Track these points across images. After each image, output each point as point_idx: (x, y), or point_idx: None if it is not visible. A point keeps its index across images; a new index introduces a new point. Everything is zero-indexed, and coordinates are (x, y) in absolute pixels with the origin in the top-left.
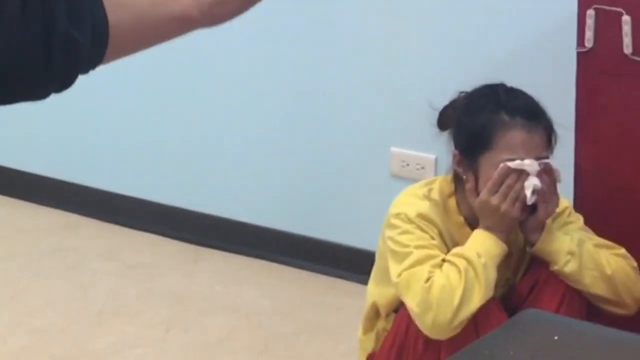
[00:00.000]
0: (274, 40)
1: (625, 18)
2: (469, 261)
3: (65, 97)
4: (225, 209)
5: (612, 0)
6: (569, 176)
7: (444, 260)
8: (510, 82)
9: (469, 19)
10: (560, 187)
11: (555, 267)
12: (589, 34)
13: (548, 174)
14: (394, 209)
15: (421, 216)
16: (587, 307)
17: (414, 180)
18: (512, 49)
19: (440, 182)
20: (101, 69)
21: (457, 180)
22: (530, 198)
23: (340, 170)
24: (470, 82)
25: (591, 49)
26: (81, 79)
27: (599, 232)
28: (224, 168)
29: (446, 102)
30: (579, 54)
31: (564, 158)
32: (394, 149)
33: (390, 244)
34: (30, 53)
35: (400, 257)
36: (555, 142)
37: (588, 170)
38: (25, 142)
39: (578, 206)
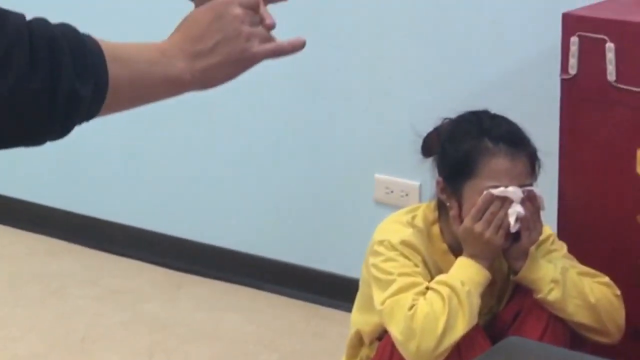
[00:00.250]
0: (259, 72)
1: (609, 45)
2: (452, 289)
3: None
4: (209, 236)
5: (595, 27)
6: (552, 204)
7: (427, 288)
8: (494, 109)
9: (453, 45)
10: (544, 215)
11: (539, 295)
12: (572, 61)
13: (532, 201)
14: (377, 236)
15: (405, 243)
16: (571, 335)
17: (398, 207)
18: (496, 76)
19: (424, 209)
20: None
21: (441, 207)
22: (513, 225)
23: (324, 197)
24: (454, 108)
25: (575, 76)
26: None
27: (583, 260)
28: (209, 195)
29: (430, 129)
30: (562, 81)
31: (547, 185)
32: (378, 175)
33: (373, 271)
34: (36, 103)
35: (383, 284)
36: (539, 170)
37: (572, 198)
38: (8, 167)
39: (562, 234)
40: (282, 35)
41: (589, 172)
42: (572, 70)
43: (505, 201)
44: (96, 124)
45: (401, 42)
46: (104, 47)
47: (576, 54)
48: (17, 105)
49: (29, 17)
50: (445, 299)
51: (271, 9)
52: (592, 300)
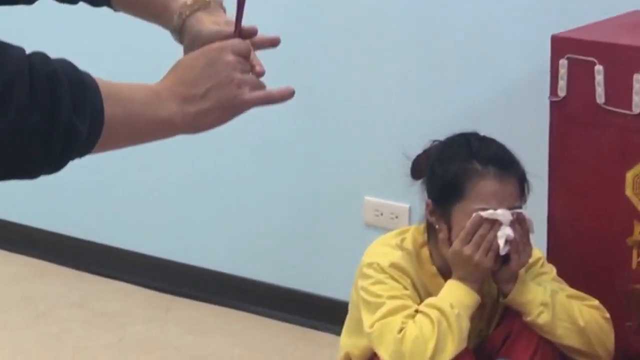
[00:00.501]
0: None
1: (598, 68)
2: (442, 312)
3: None
4: (197, 258)
5: (584, 49)
6: (542, 226)
7: (417, 311)
8: (483, 131)
9: (442, 67)
10: (533, 238)
11: (529, 318)
12: (561, 84)
13: (521, 223)
14: (366, 258)
15: (394, 266)
16: (560, 358)
17: (388, 230)
18: (485, 98)
19: (413, 232)
20: None
21: (430, 229)
22: (503, 248)
23: (313, 219)
24: (443, 130)
25: (564, 98)
26: None
27: (572, 283)
28: (197, 217)
29: (420, 151)
30: (551, 103)
31: (537, 208)
32: (367, 198)
33: (362, 294)
34: (34, 138)
35: (372, 307)
36: (528, 192)
37: (561, 221)
38: None
39: (551, 257)
40: (277, 58)
41: (578, 195)
42: (561, 93)
43: (495, 224)
44: None
45: (391, 65)
46: (100, 85)
47: (565, 76)
48: (15, 140)
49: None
50: (434, 322)
51: (266, 25)
52: (582, 323)
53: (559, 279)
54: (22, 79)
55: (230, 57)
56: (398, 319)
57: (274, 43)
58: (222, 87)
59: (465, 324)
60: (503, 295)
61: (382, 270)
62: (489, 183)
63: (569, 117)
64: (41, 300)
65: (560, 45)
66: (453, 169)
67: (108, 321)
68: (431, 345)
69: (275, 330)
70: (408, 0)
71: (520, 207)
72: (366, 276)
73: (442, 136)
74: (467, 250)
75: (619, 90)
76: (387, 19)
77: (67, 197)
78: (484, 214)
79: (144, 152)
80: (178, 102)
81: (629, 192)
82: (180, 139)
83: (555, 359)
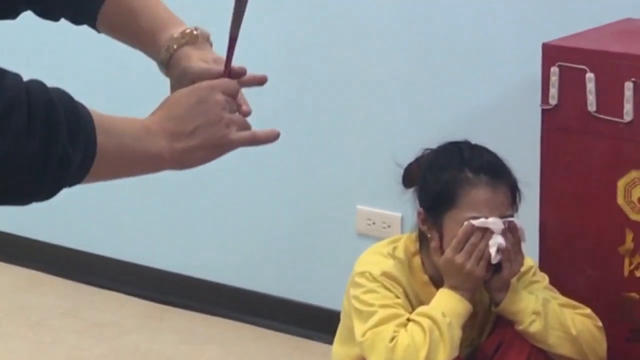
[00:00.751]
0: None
1: (589, 75)
2: (433, 320)
3: None
4: (191, 268)
5: (576, 57)
6: (534, 235)
7: (408, 320)
8: (475, 139)
9: (434, 76)
10: (525, 246)
11: (520, 327)
12: (553, 91)
13: (512, 232)
14: (358, 267)
15: (386, 275)
16: None
17: (380, 239)
18: (477, 106)
19: (405, 241)
20: None
21: (422, 238)
22: (494, 257)
23: (306, 229)
24: (435, 139)
25: (555, 106)
26: None
27: (564, 292)
28: (190, 227)
29: (411, 160)
30: (543, 111)
31: (528, 216)
32: (360, 207)
33: (354, 302)
34: (29, 166)
35: (364, 316)
36: (520, 200)
37: (553, 229)
38: None
39: (543, 265)
40: (271, 66)
41: (570, 203)
42: (553, 101)
43: (486, 232)
44: None
45: (383, 74)
46: (93, 117)
47: (556, 84)
48: (9, 167)
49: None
50: (426, 331)
51: (263, 24)
52: (574, 332)
53: (551, 287)
54: (20, 106)
55: (219, 97)
56: (390, 327)
57: (261, 82)
58: (210, 126)
59: (457, 333)
60: (495, 304)
61: (374, 279)
62: (480, 191)
63: (560, 125)
64: (34, 311)
65: (552, 53)
66: (445, 177)
67: (101, 331)
68: (423, 354)
69: (269, 340)
70: (401, 9)
71: (511, 216)
72: (358, 285)
73: (433, 145)
74: (459, 258)
75: (610, 98)
76: (379, 28)
77: (61, 207)
78: (475, 222)
79: None
80: (167, 138)
81: (620, 200)
82: None
83: None
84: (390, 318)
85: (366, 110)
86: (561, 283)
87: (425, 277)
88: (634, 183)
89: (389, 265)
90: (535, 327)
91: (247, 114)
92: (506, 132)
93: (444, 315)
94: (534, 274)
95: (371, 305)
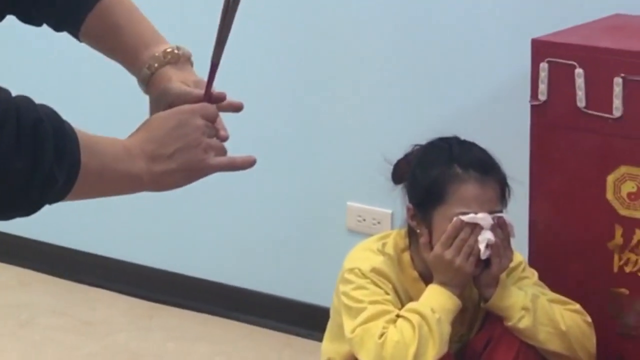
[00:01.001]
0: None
1: (579, 71)
2: (423, 316)
3: None
4: (181, 266)
5: (565, 53)
6: (523, 230)
7: (398, 316)
8: (464, 135)
9: (423, 72)
10: (514, 242)
11: (510, 323)
12: (542, 87)
13: (502, 228)
14: (348, 263)
15: (375, 271)
16: None
17: (371, 235)
18: (466, 102)
19: (395, 237)
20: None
21: (412, 234)
22: (484, 252)
23: (296, 225)
24: (425, 135)
25: (545, 102)
26: None
27: (554, 288)
28: (180, 225)
29: (401, 156)
30: (532, 107)
31: (518, 212)
32: (350, 203)
33: (344, 299)
34: (14, 183)
35: (354, 312)
36: (509, 196)
37: (542, 225)
38: None
39: (532, 261)
40: (260, 65)
41: (559, 199)
42: (542, 97)
43: (475, 228)
44: None
45: (372, 70)
46: (78, 136)
47: (546, 80)
48: None
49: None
50: (415, 327)
51: (256, 17)
52: (563, 327)
53: (540, 283)
54: (9, 124)
55: (199, 121)
56: (379, 324)
57: (238, 109)
58: (189, 150)
59: (447, 329)
60: (484, 299)
61: (364, 276)
62: (469, 187)
63: (549, 121)
64: (24, 309)
65: (541, 48)
66: (434, 173)
67: (92, 329)
68: (412, 350)
69: (259, 337)
70: (390, 6)
71: (501, 211)
72: (347, 281)
73: (423, 140)
74: (448, 254)
75: (599, 94)
76: (368, 26)
77: (51, 206)
78: (464, 218)
79: None
80: (146, 160)
81: (609, 195)
82: None
83: None
84: (380, 314)
85: (356, 108)
86: (550, 279)
87: (415, 273)
88: (623, 178)
89: (378, 261)
90: (524, 323)
91: (225, 139)
92: (495, 128)
93: (433, 311)
94: (524, 269)
95: (360, 301)
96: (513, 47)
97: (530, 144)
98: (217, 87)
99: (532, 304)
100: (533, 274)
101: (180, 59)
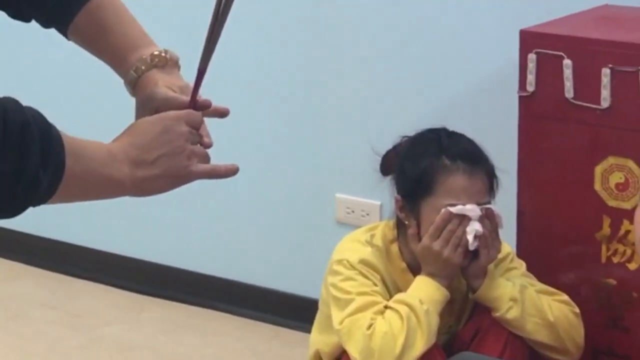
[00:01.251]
0: (221, 90)
1: (567, 62)
2: (411, 308)
3: None
4: (171, 258)
5: (553, 44)
6: (511, 222)
7: (386, 307)
8: (453, 127)
9: (412, 64)
10: (502, 233)
11: (498, 314)
12: (530, 78)
13: (490, 219)
14: (336, 255)
15: (364, 262)
16: (530, 354)
17: (360, 227)
18: (454, 93)
19: (383, 228)
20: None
21: (400, 225)
22: (472, 243)
23: (285, 217)
24: (413, 126)
25: (533, 93)
26: None
27: (542, 279)
28: (168, 216)
29: (389, 147)
30: (520, 98)
31: (506, 203)
32: (338, 195)
33: (332, 290)
34: (0, 184)
35: (342, 304)
36: (497, 187)
37: (530, 216)
38: None
39: (520, 252)
40: (247, 55)
41: (547, 190)
42: (530, 87)
43: (464, 219)
44: None
45: (359, 62)
46: (63, 139)
47: (534, 70)
48: None
49: None
50: (403, 318)
51: (243, 12)
52: (551, 318)
53: (529, 274)
54: None
55: (184, 128)
56: (367, 315)
57: (223, 114)
58: (172, 157)
59: (435, 320)
60: (472, 290)
61: (352, 267)
62: (458, 178)
63: (537, 112)
64: (13, 302)
65: (529, 39)
66: (422, 164)
67: (81, 322)
68: (400, 341)
69: (248, 329)
70: None
71: (489, 203)
72: (336, 273)
73: (411, 132)
74: (436, 245)
75: (587, 85)
76: (357, 17)
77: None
78: (453, 209)
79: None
80: (130, 165)
81: (597, 186)
82: None
83: (525, 354)
84: (368, 305)
85: (344, 100)
86: (538, 269)
87: (403, 265)
88: (611, 169)
89: (366, 252)
90: (512, 314)
91: (209, 146)
92: (484, 119)
93: (421, 302)
94: (512, 260)
95: (349, 292)
96: (501, 38)
97: (518, 135)
98: (205, 82)
99: (520, 294)
100: (521, 265)
101: (168, 63)
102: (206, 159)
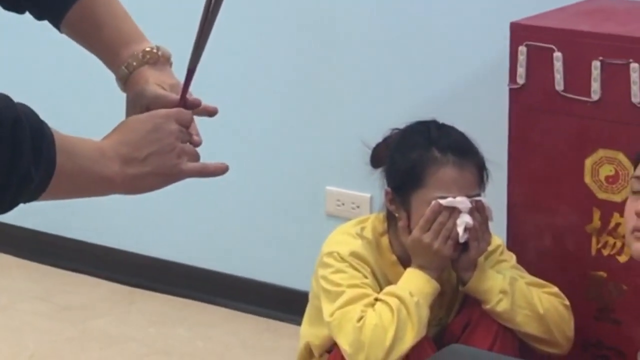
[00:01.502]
0: (210, 83)
1: (557, 54)
2: (401, 300)
3: None
4: (160, 250)
5: (543, 36)
6: (501, 214)
7: (376, 299)
8: (443, 119)
9: (402, 56)
10: (492, 225)
11: (488, 306)
12: (520, 70)
13: (480, 211)
14: (326, 247)
15: (354, 255)
16: (520, 346)
17: (349, 220)
18: (445, 86)
19: (373, 221)
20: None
21: (390, 218)
22: (462, 236)
23: (275, 210)
24: (403, 119)
25: (523, 85)
26: None
27: (532, 271)
28: (158, 209)
29: (380, 140)
30: (511, 91)
31: (496, 195)
32: (329, 188)
33: (322, 283)
34: None
35: (332, 296)
36: (488, 179)
37: (520, 208)
38: None
39: (511, 244)
40: (237, 48)
41: (537, 182)
42: (521, 80)
43: (454, 211)
44: None
45: (349, 54)
46: (54, 136)
47: (524, 63)
48: None
49: None
50: (394, 310)
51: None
52: (541, 310)
53: (519, 266)
54: None
55: (174, 126)
56: (358, 307)
57: (212, 113)
58: (162, 155)
59: (425, 312)
60: (462, 283)
61: (342, 259)
62: (448, 171)
63: (528, 105)
64: (4, 294)
65: (519, 32)
66: (412, 157)
67: (71, 314)
68: (390, 333)
69: (238, 321)
70: None
71: (479, 195)
72: (326, 265)
73: (401, 124)
74: (427, 238)
75: (577, 77)
76: (347, 11)
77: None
78: (443, 201)
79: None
80: (120, 162)
81: (587, 179)
82: None
83: (515, 346)
84: (358, 298)
85: (334, 92)
86: (528, 262)
87: (393, 257)
88: (601, 162)
89: (357, 245)
90: (502, 306)
91: (198, 144)
92: (474, 112)
93: (411, 294)
94: (502, 252)
95: (339, 285)
96: (492, 31)
97: (508, 128)
98: (195, 75)
99: (510, 287)
100: (511, 257)
101: (160, 60)
102: (196, 157)
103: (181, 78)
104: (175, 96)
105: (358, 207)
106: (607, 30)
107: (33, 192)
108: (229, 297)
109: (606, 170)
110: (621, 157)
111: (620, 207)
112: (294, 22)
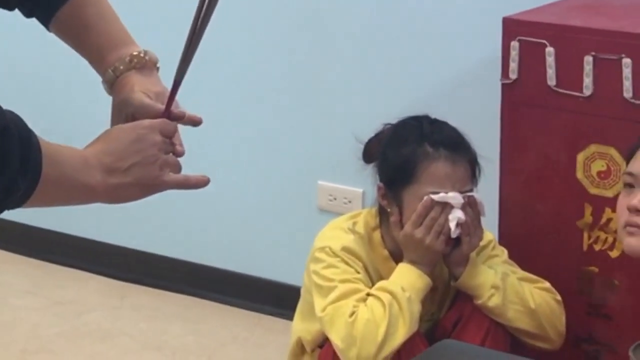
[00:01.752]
0: (193, 85)
1: (549, 50)
2: (393, 295)
3: None
4: (152, 245)
5: (536, 31)
6: (493, 209)
7: (368, 295)
8: (435, 114)
9: (394, 51)
10: (484, 220)
11: (479, 301)
12: (513, 66)
13: (472, 206)
14: (318, 242)
15: (346, 250)
16: (512, 342)
17: (342, 214)
18: (437, 81)
19: (365, 216)
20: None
21: (382, 213)
22: (454, 231)
23: (267, 204)
24: (396, 114)
25: (515, 80)
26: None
27: (524, 266)
28: (150, 203)
29: (372, 135)
30: (503, 86)
31: (488, 191)
32: (321, 182)
33: (314, 278)
34: None
35: (324, 291)
36: (480, 175)
37: (512, 204)
38: None
39: (502, 239)
40: (229, 42)
41: (529, 177)
42: (513, 75)
43: (446, 207)
44: (39, 133)
45: (342, 49)
46: (41, 144)
47: (516, 58)
48: None
49: None
50: (386, 306)
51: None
52: (533, 305)
53: (510, 261)
54: None
55: (157, 137)
56: (350, 302)
57: (197, 123)
58: (145, 166)
59: (417, 308)
60: (454, 278)
61: (334, 254)
62: (440, 166)
63: (520, 100)
64: None
65: (512, 27)
66: (404, 152)
67: (63, 309)
68: (382, 328)
69: (230, 316)
70: None
71: (471, 190)
72: (318, 260)
73: (394, 119)
74: (419, 233)
75: (570, 73)
76: (338, 4)
77: None
78: (435, 197)
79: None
80: (103, 172)
81: (579, 174)
82: None
83: (507, 341)
84: (350, 293)
85: (327, 86)
86: (520, 257)
87: (385, 252)
88: (593, 157)
89: (349, 240)
90: (494, 301)
91: (181, 154)
92: (466, 107)
93: (403, 289)
94: (493, 248)
95: (331, 280)
96: (484, 26)
97: (500, 123)
98: (188, 70)
99: (501, 282)
100: (503, 252)
101: (147, 65)
102: (178, 168)
103: (167, 82)
104: (161, 106)
105: (350, 202)
106: (599, 25)
107: (18, 200)
108: (220, 291)
109: (598, 166)
110: (613, 152)
111: (612, 203)
112: (287, 19)
